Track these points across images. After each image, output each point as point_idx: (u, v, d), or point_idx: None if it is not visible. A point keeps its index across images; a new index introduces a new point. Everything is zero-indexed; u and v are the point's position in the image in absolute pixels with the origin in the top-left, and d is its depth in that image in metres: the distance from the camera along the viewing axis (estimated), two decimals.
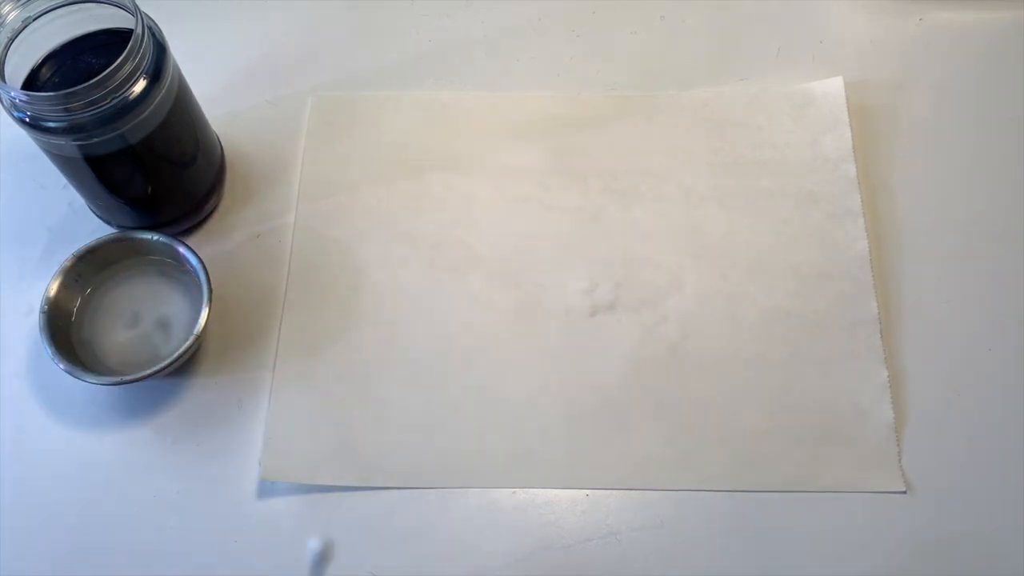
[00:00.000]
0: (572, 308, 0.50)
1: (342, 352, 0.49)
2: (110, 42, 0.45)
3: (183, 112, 0.47)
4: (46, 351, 0.46)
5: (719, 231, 0.52)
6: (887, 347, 0.48)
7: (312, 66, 0.58)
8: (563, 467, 0.46)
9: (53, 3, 0.44)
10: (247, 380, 0.49)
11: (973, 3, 0.59)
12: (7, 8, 0.44)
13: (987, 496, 0.45)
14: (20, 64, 0.44)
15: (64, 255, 0.48)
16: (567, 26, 0.59)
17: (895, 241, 0.51)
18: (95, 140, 0.43)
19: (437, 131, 0.55)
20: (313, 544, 0.44)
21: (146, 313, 0.49)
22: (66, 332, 0.48)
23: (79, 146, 0.44)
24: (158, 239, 0.49)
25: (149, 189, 0.49)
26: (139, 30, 0.42)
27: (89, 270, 0.49)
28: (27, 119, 0.42)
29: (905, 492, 0.45)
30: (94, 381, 0.45)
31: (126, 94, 0.42)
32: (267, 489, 0.46)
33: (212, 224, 0.53)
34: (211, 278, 0.47)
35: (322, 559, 0.44)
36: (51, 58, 0.45)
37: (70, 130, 0.42)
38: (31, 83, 0.45)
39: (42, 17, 0.44)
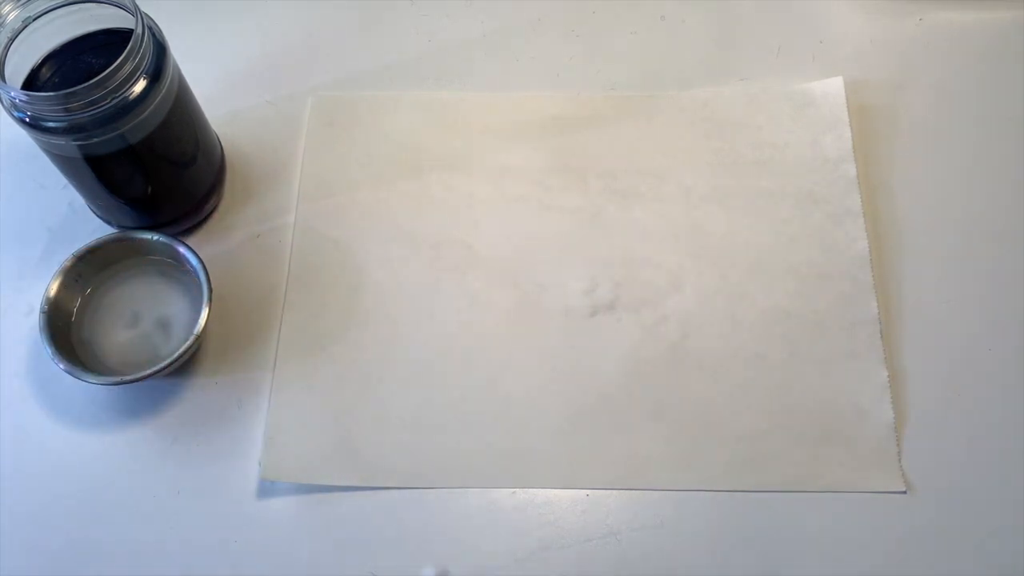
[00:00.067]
0: (572, 308, 0.50)
1: (342, 352, 0.49)
2: (110, 42, 0.44)
3: (183, 112, 0.47)
4: (46, 351, 0.46)
5: (719, 231, 0.52)
6: (887, 347, 0.48)
7: (312, 66, 0.58)
8: (563, 467, 0.46)
9: (53, 3, 0.44)
10: (247, 380, 0.49)
11: (973, 3, 0.59)
12: (7, 8, 0.44)
13: (987, 496, 0.45)
14: (20, 64, 0.44)
15: (64, 255, 0.48)
16: (567, 26, 0.59)
17: (895, 241, 0.51)
18: (95, 140, 0.43)
19: (437, 131, 0.55)
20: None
21: (146, 313, 0.49)
22: (66, 332, 0.48)
23: (79, 146, 0.44)
24: (158, 239, 0.49)
25: (149, 189, 0.49)
26: (139, 30, 0.42)
27: (89, 270, 0.49)
28: (27, 119, 0.42)
29: (905, 492, 0.45)
30: (94, 381, 0.45)
31: (126, 94, 0.42)
32: (267, 489, 0.46)
33: (212, 224, 0.53)
34: (211, 278, 0.47)
35: None
36: (51, 58, 0.45)
37: (70, 130, 0.42)
38: (31, 83, 0.45)
39: (42, 17, 0.44)
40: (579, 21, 0.60)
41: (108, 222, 0.52)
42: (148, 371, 0.45)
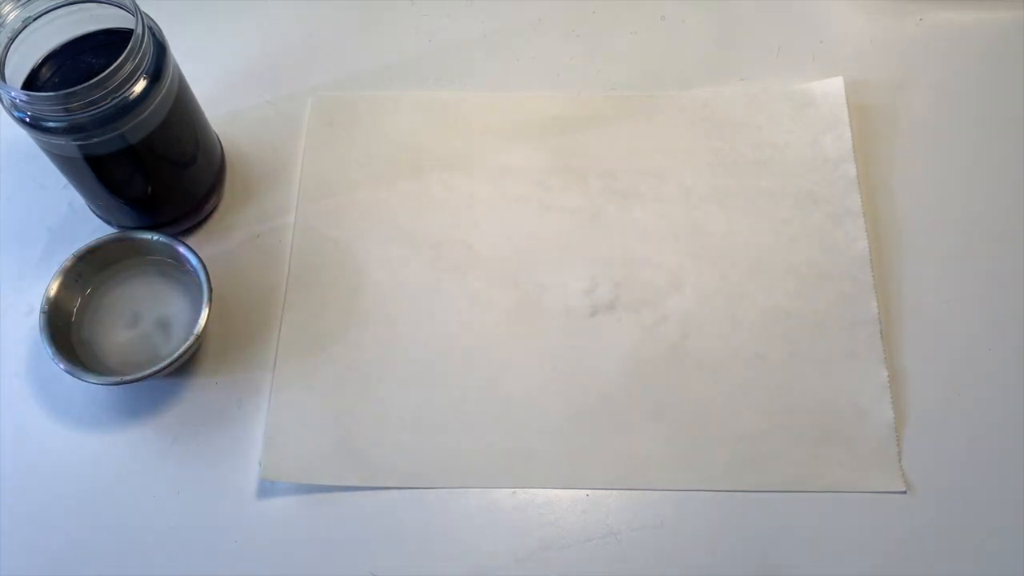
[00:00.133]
0: (572, 308, 0.50)
1: (342, 352, 0.49)
2: (110, 42, 0.44)
3: (183, 112, 0.47)
4: (46, 351, 0.46)
5: (719, 231, 0.52)
6: (887, 347, 0.48)
7: (312, 66, 0.58)
8: (563, 467, 0.46)
9: (53, 3, 0.44)
10: (247, 380, 0.49)
11: (973, 3, 0.59)
12: (7, 8, 0.44)
13: (987, 496, 0.45)
14: (20, 64, 0.44)
15: (64, 255, 0.48)
16: (567, 26, 0.59)
17: (895, 241, 0.51)
18: (95, 140, 0.43)
19: (437, 131, 0.55)
20: None
21: (146, 313, 0.49)
22: (66, 332, 0.48)
23: (79, 146, 0.44)
24: (158, 239, 0.49)
25: (149, 189, 0.49)
26: (139, 30, 0.42)
27: (89, 270, 0.49)
28: (27, 119, 0.42)
29: (905, 492, 0.45)
30: (94, 381, 0.45)
31: (126, 94, 0.42)
32: (267, 489, 0.46)
33: (212, 224, 0.53)
34: (211, 278, 0.47)
35: None
36: (51, 58, 0.45)
37: (70, 130, 0.42)
38: (31, 83, 0.45)
39: (42, 17, 0.44)
40: (579, 21, 0.60)
41: (108, 222, 0.52)
42: (148, 371, 0.45)
